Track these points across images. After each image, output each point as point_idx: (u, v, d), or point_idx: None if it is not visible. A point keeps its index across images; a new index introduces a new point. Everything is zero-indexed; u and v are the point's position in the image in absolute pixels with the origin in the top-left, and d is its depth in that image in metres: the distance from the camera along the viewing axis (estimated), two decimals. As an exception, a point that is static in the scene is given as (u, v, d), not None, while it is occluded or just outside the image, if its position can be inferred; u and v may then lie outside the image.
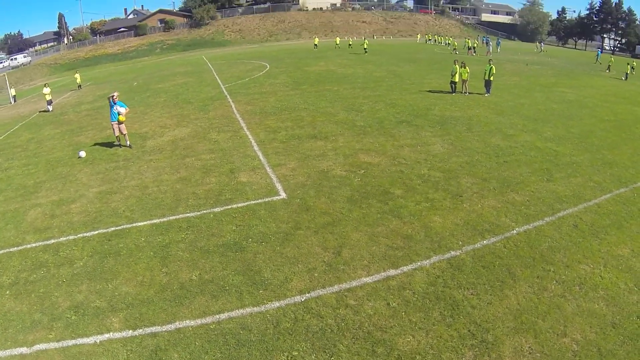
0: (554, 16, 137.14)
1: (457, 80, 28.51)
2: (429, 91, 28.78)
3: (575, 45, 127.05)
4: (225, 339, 8.23)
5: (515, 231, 11.39)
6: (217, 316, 8.84)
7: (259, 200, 13.82)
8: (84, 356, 8.23)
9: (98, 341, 8.52)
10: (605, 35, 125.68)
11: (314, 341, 8.08)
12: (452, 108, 23.39)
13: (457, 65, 28.50)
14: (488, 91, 28.22)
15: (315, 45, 74.36)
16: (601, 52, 71.76)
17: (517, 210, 12.44)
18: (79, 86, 51.38)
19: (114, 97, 20.80)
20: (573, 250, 10.54)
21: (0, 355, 8.59)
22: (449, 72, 30.39)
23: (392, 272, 9.79)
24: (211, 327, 8.59)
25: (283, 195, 14.08)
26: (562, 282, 9.32)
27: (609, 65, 50.72)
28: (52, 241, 12.75)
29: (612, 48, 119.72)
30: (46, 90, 37.44)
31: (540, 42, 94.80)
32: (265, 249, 11.09)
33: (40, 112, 37.10)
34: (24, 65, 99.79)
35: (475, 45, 66.34)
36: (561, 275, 9.52)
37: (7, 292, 10.51)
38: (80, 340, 8.61)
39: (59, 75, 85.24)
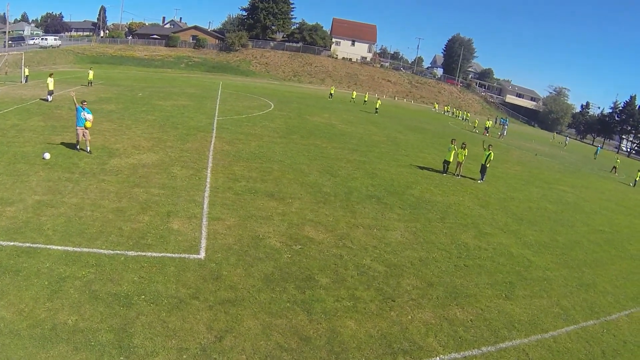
0: (578, 109, 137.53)
1: (451, 160, 26.88)
2: (420, 167, 27.36)
3: (593, 141, 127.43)
4: None
5: (437, 359, 9.53)
6: None
7: (175, 255, 12.81)
8: None
9: None
10: (624, 137, 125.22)
11: None
12: (434, 190, 21.92)
13: (454, 145, 26.86)
14: (482, 177, 26.62)
15: (331, 94, 74.19)
16: (600, 148, 71.14)
17: (453, 332, 10.62)
18: (90, 83, 51.40)
19: (84, 104, 21.86)
20: None
21: None
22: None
23: (265, 379, 8.23)
24: None
25: (202, 254, 12.97)
26: None
27: (615, 167, 49.48)
28: None
29: (629, 150, 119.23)
30: (50, 80, 37.71)
31: (560, 134, 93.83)
32: (150, 312, 10.17)
33: (40, 99, 37.39)
34: (52, 47, 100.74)
35: (489, 125, 65.16)
36: None
37: None
38: None
39: (81, 66, 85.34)
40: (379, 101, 63.03)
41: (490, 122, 67.13)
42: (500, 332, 10.98)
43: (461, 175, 26.56)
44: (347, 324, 10.30)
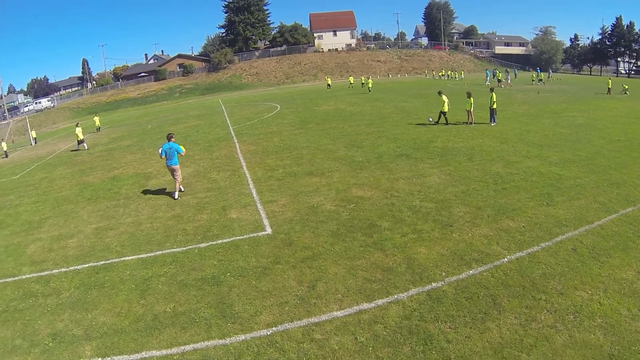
0: (567, 44, 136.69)
1: (445, 109, 28.29)
2: (434, 124, 28.27)
3: (590, 71, 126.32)
4: None
5: (506, 259, 10.61)
6: (183, 347, 8.95)
7: (244, 236, 13.73)
8: None
9: None
10: (619, 59, 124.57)
11: (271, 375, 7.77)
12: (455, 139, 22.86)
13: (443, 96, 28.51)
14: (493, 120, 27.54)
15: (329, 85, 75.01)
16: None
17: (511, 238, 11.69)
18: (98, 129, 52.78)
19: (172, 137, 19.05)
20: (569, 276, 9.71)
21: None
22: (457, 105, 30.02)
23: (365, 305, 9.30)
24: (174, 357, 8.72)
25: (268, 230, 13.90)
26: (554, 311, 8.56)
27: (609, 89, 49.89)
28: (45, 273, 13.62)
29: (628, 71, 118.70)
30: (78, 130, 38.75)
31: (557, 72, 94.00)
32: (241, 283, 10.99)
33: (71, 151, 38.82)
34: (47, 109, 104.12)
35: (500, 77, 65.71)
36: (553, 304, 8.75)
37: None
38: None
39: (80, 119, 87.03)
40: (370, 80, 63.26)
41: (501, 74, 67.87)
42: (552, 230, 11.99)
43: (474, 123, 27.47)
44: (419, 251, 11.31)
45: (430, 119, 29.30)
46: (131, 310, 10.66)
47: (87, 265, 13.71)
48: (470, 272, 10.12)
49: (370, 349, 8.06)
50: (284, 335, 8.76)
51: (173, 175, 18.71)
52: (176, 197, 18.45)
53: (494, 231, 12.07)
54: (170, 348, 9.04)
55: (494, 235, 11.86)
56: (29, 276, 13.74)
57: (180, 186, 19.07)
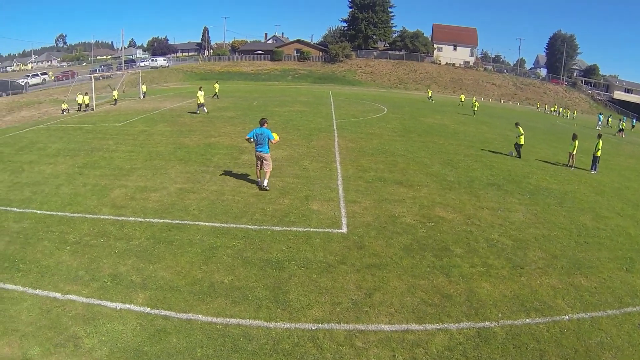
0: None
1: (522, 143, 28.27)
2: (534, 159, 27.64)
3: None
4: (224, 340, 8.77)
5: (567, 317, 10.09)
6: (228, 320, 9.48)
7: (319, 230, 14.19)
8: (100, 315, 9.52)
9: (118, 308, 9.81)
10: None
11: (302, 369, 8.11)
12: (550, 179, 22.28)
13: (519, 128, 28.52)
14: (594, 168, 26.45)
15: (430, 97, 74.83)
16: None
17: (578, 295, 11.19)
18: (216, 95, 54.49)
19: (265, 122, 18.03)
20: (627, 352, 9.06)
21: (38, 293, 10.35)
22: (562, 144, 29.24)
23: (414, 326, 9.43)
24: (218, 327, 9.23)
25: (344, 229, 14.28)
26: (599, 386, 8.16)
27: None
28: (122, 218, 14.85)
29: None
30: (200, 93, 40.37)
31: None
32: (302, 274, 11.44)
33: (189, 112, 40.74)
34: (162, 67, 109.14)
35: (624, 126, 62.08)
36: (601, 379, 8.36)
37: (68, 247, 12.66)
38: (104, 303, 9.99)
39: (190, 83, 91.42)
40: (476, 103, 58.92)
41: (625, 123, 62.96)
42: (623, 298, 11.32)
43: (574, 167, 26.47)
44: (482, 285, 11.20)
45: (511, 153, 28.80)
46: (191, 273, 11.43)
47: (162, 220, 14.75)
48: (527, 320, 9.88)
49: (404, 371, 8.18)
50: (326, 334, 9.06)
51: (262, 163, 17.67)
52: (265, 184, 17.77)
53: (563, 284, 11.68)
54: (216, 317, 9.59)
55: (562, 288, 11.46)
56: (106, 217, 14.99)
57: (267, 180, 17.91)
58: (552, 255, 13.31)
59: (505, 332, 9.38)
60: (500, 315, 10.03)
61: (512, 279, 11.75)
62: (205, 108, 40.18)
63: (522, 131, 28.47)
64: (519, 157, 27.87)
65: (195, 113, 39.93)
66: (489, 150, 28.63)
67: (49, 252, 12.53)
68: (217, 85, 57.39)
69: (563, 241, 14.50)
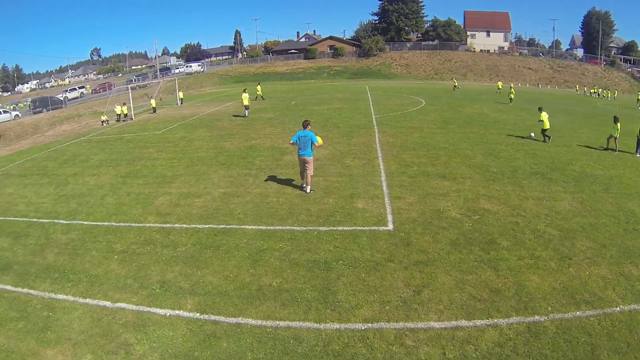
0: None
1: (547, 127, 27.91)
2: (577, 145, 27.11)
3: None
4: (275, 343, 8.96)
5: (618, 308, 9.75)
6: (278, 322, 9.66)
7: (365, 228, 14.31)
8: (150, 322, 9.83)
9: (168, 314, 10.12)
10: None
11: (352, 370, 8.22)
12: (594, 165, 21.83)
13: (542, 113, 28.39)
14: (639, 151, 25.78)
15: (455, 86, 74.07)
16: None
17: (630, 286, 10.79)
18: (260, 97, 55.17)
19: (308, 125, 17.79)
20: None
21: (88, 302, 10.77)
22: (604, 127, 28.61)
23: (463, 322, 9.47)
24: (267, 330, 9.41)
25: (390, 226, 14.38)
26: (653, 378, 8.06)
27: None
28: (168, 225, 15.24)
29: None
30: (245, 95, 40.72)
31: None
32: (350, 273, 11.58)
33: (234, 116, 41.14)
34: (197, 73, 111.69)
35: None
36: (655, 371, 8.23)
37: (116, 256, 13.10)
38: (154, 310, 10.32)
39: (226, 86, 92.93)
40: (513, 90, 55.81)
41: None
42: None
43: (618, 150, 25.56)
44: (531, 279, 11.10)
45: (532, 134, 28.52)
46: (239, 277, 11.69)
47: (207, 226, 15.07)
48: (577, 313, 9.68)
49: (454, 368, 8.25)
50: (376, 334, 9.17)
51: (304, 167, 17.51)
52: (308, 191, 17.70)
53: (613, 275, 11.35)
54: (266, 320, 9.78)
55: (612, 279, 11.13)
56: (152, 225, 15.41)
57: (309, 186, 17.87)
58: (600, 245, 13.01)
59: (556, 326, 9.25)
60: (549, 308, 9.90)
61: (561, 270, 11.57)
62: (247, 112, 40.42)
63: (543, 117, 28.12)
64: (549, 139, 27.70)
65: (242, 116, 40.29)
66: (531, 138, 28.01)
67: (97, 262, 13.10)
68: (259, 87, 58.07)
69: (611, 229, 14.12)
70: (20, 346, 9.52)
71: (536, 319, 9.52)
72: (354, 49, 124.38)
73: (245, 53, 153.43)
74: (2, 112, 56.71)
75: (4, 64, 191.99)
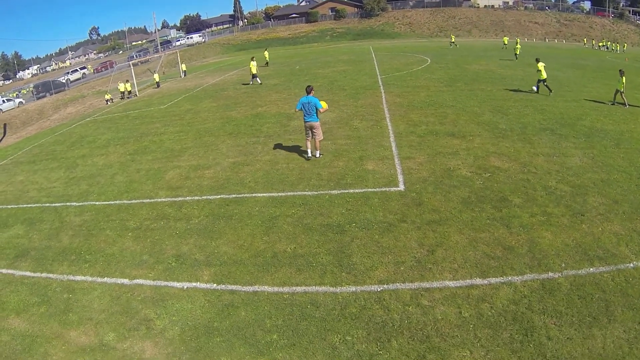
0: None
1: (544, 77, 27.61)
2: (586, 100, 26.63)
3: None
4: (292, 309, 9.07)
5: (632, 265, 9.71)
6: (294, 288, 9.76)
7: (377, 189, 14.33)
8: (169, 296, 9.93)
9: (185, 287, 10.23)
10: None
11: (371, 331, 8.39)
12: (604, 120, 21.48)
13: (539, 64, 28.15)
14: None
15: (452, 42, 73.80)
16: None
17: None
18: (267, 63, 55.37)
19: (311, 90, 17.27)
20: None
21: (106, 281, 10.90)
22: (613, 81, 28.21)
23: (478, 281, 9.53)
24: (284, 296, 9.51)
25: (401, 187, 14.39)
26: (669, 335, 8.07)
27: None
28: (179, 199, 15.28)
29: None
30: (253, 63, 40.28)
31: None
32: (364, 235, 11.62)
33: (243, 84, 40.92)
34: (198, 44, 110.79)
35: None
36: (671, 328, 8.22)
37: (130, 234, 13.18)
38: (171, 283, 10.43)
39: (229, 55, 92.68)
40: (518, 46, 53.06)
41: None
42: None
43: (629, 104, 24.88)
44: (544, 235, 11.08)
45: (534, 88, 28.28)
46: (253, 245, 11.80)
47: (219, 196, 15.11)
48: (591, 269, 9.65)
49: (471, 326, 8.32)
50: (392, 295, 9.27)
51: (311, 132, 17.26)
52: (317, 155, 17.63)
53: (626, 230, 11.22)
54: (282, 287, 9.93)
55: (626, 235, 11.02)
56: (163, 200, 15.48)
57: (318, 151, 17.76)
58: (612, 200, 12.88)
59: (570, 283, 9.26)
60: (563, 265, 9.91)
61: (573, 227, 11.52)
62: (258, 79, 40.02)
63: (540, 67, 27.89)
64: (550, 92, 27.52)
65: (250, 84, 40.03)
66: (540, 94, 27.73)
67: (112, 241, 13.20)
68: (266, 53, 58.44)
69: (623, 185, 13.97)
70: (44, 330, 9.68)
71: (550, 276, 9.53)
72: (356, 9, 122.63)
73: (245, 20, 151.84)
74: (5, 101, 56.18)
75: (3, 52, 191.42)
